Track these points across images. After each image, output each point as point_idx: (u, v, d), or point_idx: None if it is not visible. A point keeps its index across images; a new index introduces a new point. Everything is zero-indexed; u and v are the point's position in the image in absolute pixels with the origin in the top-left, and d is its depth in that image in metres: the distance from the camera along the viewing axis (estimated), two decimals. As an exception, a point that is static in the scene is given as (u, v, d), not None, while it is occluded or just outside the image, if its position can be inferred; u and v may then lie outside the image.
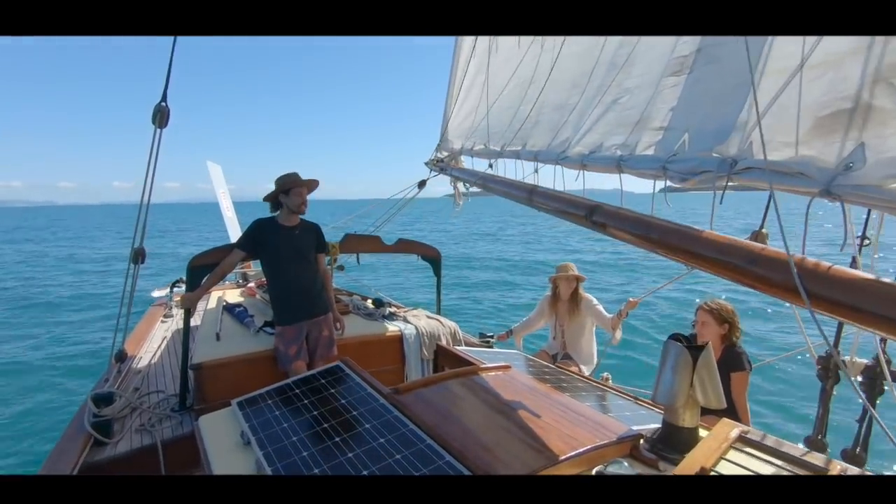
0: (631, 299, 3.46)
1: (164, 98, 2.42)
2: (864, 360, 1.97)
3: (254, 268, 5.57)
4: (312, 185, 2.99)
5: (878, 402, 1.97)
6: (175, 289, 5.49)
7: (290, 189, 2.89)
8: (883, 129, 1.10)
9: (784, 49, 1.38)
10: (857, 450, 1.99)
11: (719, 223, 1.48)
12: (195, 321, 3.73)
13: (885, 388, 1.91)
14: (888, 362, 1.88)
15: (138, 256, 2.84)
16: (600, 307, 3.72)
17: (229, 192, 7.96)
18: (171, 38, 2.26)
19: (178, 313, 5.02)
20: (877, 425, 2.01)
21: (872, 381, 1.94)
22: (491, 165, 3.59)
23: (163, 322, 4.84)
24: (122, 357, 3.26)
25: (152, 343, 4.20)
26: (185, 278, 5.68)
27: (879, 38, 1.13)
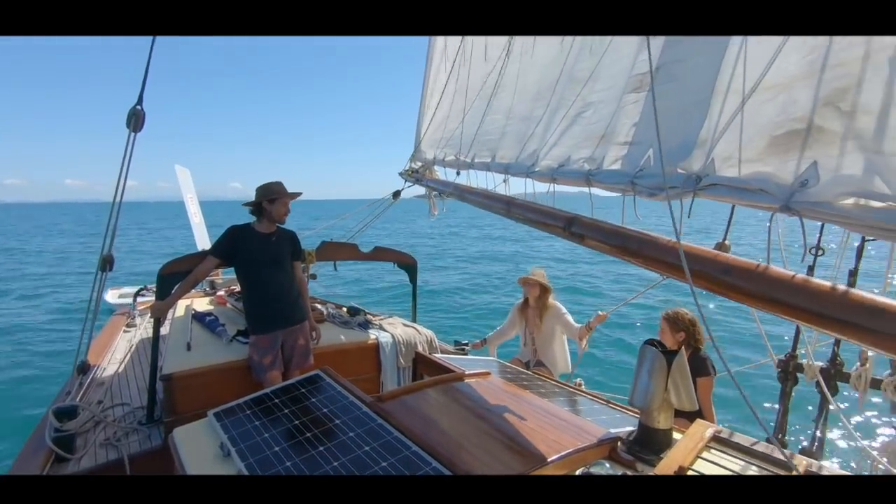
0: (600, 313, 3.56)
1: (140, 101, 2.36)
2: (820, 364, 2.11)
3: (222, 276, 5.44)
4: (296, 195, 3.03)
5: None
6: (139, 297, 5.29)
7: (275, 198, 2.90)
8: (832, 150, 1.19)
9: (740, 70, 1.48)
10: (814, 447, 2.12)
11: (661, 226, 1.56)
12: (162, 331, 3.62)
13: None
14: (841, 364, 2.03)
15: (106, 264, 2.73)
16: (568, 316, 3.79)
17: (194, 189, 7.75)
18: (142, 40, 2.21)
19: (142, 323, 4.84)
20: (832, 424, 2.15)
21: (826, 382, 2.07)
22: (458, 173, 3.65)
23: (126, 332, 4.65)
24: (84, 368, 3.13)
25: (115, 354, 4.03)
26: (149, 286, 5.49)
27: (826, 64, 1.23)
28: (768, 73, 1.37)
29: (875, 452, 1.95)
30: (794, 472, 1.22)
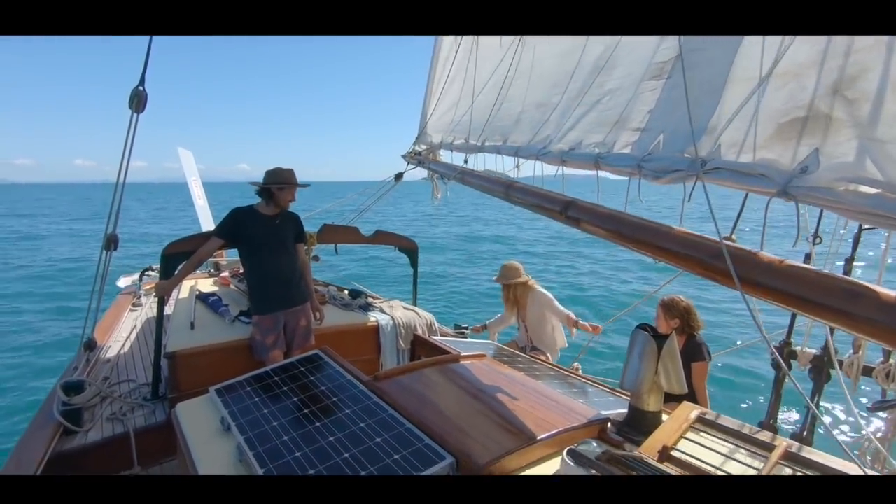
0: (594, 326, 3.61)
1: (142, 82, 2.37)
2: (813, 351, 2.13)
3: (227, 257, 5.49)
4: (304, 186, 3.11)
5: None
6: (145, 277, 5.37)
7: (284, 186, 2.95)
8: (836, 137, 1.19)
9: (752, 59, 1.47)
10: (805, 433, 2.15)
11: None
12: (166, 310, 3.68)
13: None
14: (833, 352, 2.04)
15: (111, 243, 2.77)
16: (555, 302, 3.81)
17: (199, 171, 7.83)
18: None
19: (147, 302, 4.91)
20: (823, 410, 2.18)
21: (819, 369, 2.09)
22: (466, 161, 3.65)
23: (132, 311, 4.74)
24: (91, 345, 3.19)
25: (121, 332, 4.11)
26: (155, 266, 5.56)
27: (836, 52, 1.22)
28: (780, 60, 1.37)
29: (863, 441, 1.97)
30: (775, 454, 1.25)
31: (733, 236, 1.55)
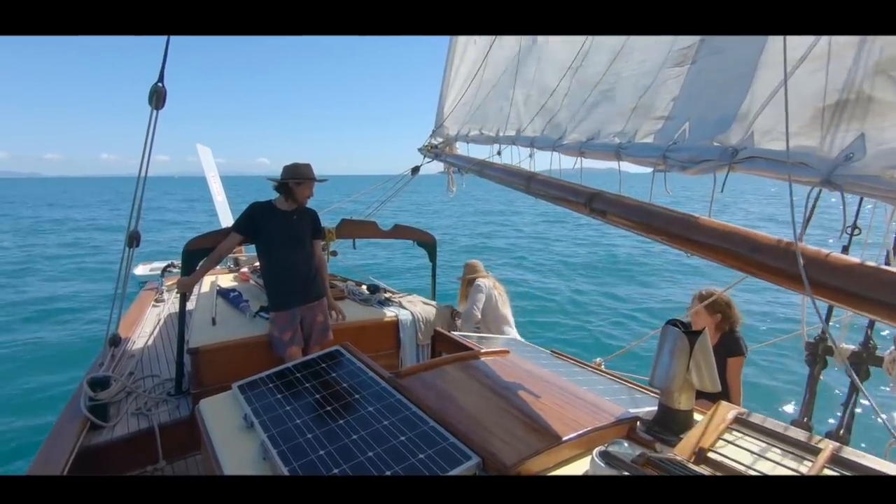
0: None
1: (161, 79, 2.38)
2: (851, 347, 2.04)
3: (246, 253, 5.55)
4: (322, 180, 3.10)
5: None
6: (167, 273, 5.44)
7: (301, 181, 2.95)
8: (882, 121, 1.12)
9: (787, 40, 1.39)
10: (841, 431, 2.06)
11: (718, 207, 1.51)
12: (188, 306, 3.72)
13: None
14: (874, 348, 1.95)
15: (133, 240, 2.80)
16: (472, 297, 3.68)
17: (218, 166, 7.95)
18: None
19: (170, 298, 4.98)
20: (860, 409, 2.09)
21: (858, 366, 2.00)
22: (500, 153, 3.58)
23: (154, 306, 4.81)
24: (115, 341, 3.25)
25: (144, 328, 4.18)
26: (176, 262, 5.63)
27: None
28: (816, 41, 1.29)
29: None
30: (821, 457, 1.18)
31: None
